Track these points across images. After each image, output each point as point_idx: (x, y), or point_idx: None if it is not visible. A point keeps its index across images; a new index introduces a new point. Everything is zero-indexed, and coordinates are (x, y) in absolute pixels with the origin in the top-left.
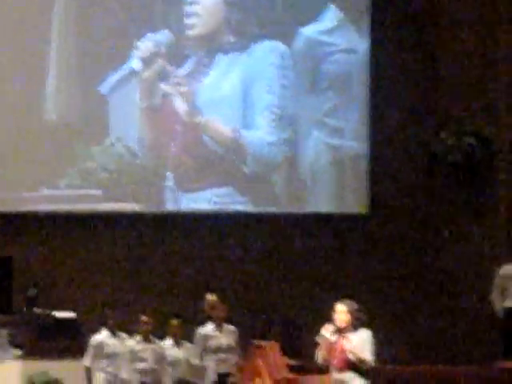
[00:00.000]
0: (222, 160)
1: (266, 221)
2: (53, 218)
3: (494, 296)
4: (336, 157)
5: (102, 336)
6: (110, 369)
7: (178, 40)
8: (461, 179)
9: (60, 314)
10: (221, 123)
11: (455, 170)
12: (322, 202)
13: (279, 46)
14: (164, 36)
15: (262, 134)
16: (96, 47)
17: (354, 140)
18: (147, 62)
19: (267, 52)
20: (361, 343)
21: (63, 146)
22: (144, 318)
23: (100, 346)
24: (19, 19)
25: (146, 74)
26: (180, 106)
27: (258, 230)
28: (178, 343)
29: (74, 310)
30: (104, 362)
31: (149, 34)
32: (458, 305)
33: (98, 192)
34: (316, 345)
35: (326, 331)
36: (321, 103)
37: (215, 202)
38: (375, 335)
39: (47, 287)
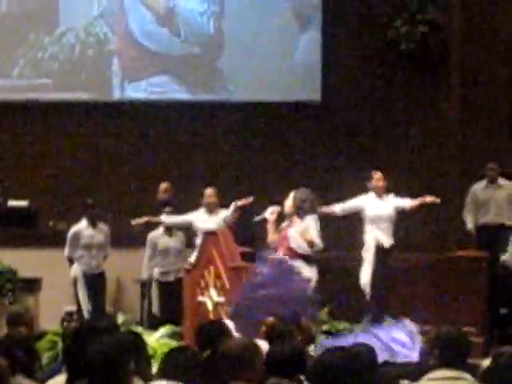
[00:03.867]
0: (162, 42)
1: (215, 109)
2: (4, 107)
3: (465, 212)
4: (287, 44)
5: (80, 226)
6: (85, 259)
7: None
8: (413, 67)
9: (13, 203)
10: None
11: (408, 58)
12: (275, 90)
13: None
14: None
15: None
16: None
17: (306, 27)
18: None
19: None
20: (304, 228)
21: (14, 36)
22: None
23: (77, 236)
24: None
25: None
26: None
27: (207, 119)
28: (169, 232)
29: (27, 199)
30: (80, 252)
31: None
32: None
33: (48, 81)
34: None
35: (268, 213)
36: None
37: (159, 91)
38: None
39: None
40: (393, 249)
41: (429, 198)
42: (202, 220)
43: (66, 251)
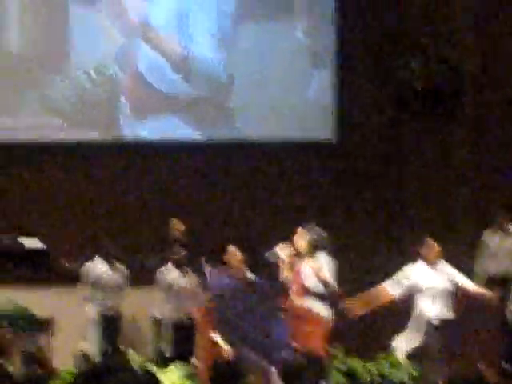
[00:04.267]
0: (172, 84)
1: (225, 148)
2: (15, 147)
3: (476, 265)
4: (302, 84)
5: (97, 266)
6: (101, 299)
7: None
8: (428, 106)
9: (27, 242)
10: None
11: (422, 97)
12: (288, 129)
13: None
14: None
15: (205, 52)
16: None
17: (320, 65)
18: None
19: None
20: (317, 267)
21: (25, 76)
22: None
23: (93, 276)
24: None
25: None
26: (133, 18)
27: (218, 159)
28: (184, 272)
29: (40, 238)
30: (96, 292)
31: None
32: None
33: (58, 121)
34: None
35: (280, 250)
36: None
37: (169, 131)
38: (337, 261)
39: (12, 215)
40: (449, 324)
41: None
42: None
43: (83, 291)
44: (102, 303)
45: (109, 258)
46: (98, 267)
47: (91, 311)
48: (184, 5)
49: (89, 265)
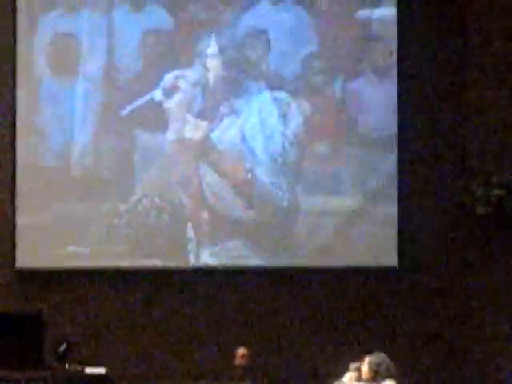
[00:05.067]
0: (235, 209)
1: (290, 274)
2: (81, 274)
3: None
4: (362, 207)
5: None
6: None
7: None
8: (489, 231)
9: (91, 370)
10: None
11: (484, 222)
12: (347, 255)
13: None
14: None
15: (268, 177)
16: (123, 107)
17: (383, 188)
18: (169, 92)
19: (269, 101)
20: None
21: (89, 204)
22: None
23: None
24: (48, 76)
25: (169, 104)
26: (197, 142)
27: (283, 285)
28: None
29: (104, 366)
30: None
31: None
32: (486, 365)
33: (123, 248)
34: None
35: (347, 379)
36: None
37: (234, 257)
38: None
39: (77, 343)
40: None
41: None
42: None
43: None
44: None
45: None
46: None
47: None
48: (248, 130)
49: None
